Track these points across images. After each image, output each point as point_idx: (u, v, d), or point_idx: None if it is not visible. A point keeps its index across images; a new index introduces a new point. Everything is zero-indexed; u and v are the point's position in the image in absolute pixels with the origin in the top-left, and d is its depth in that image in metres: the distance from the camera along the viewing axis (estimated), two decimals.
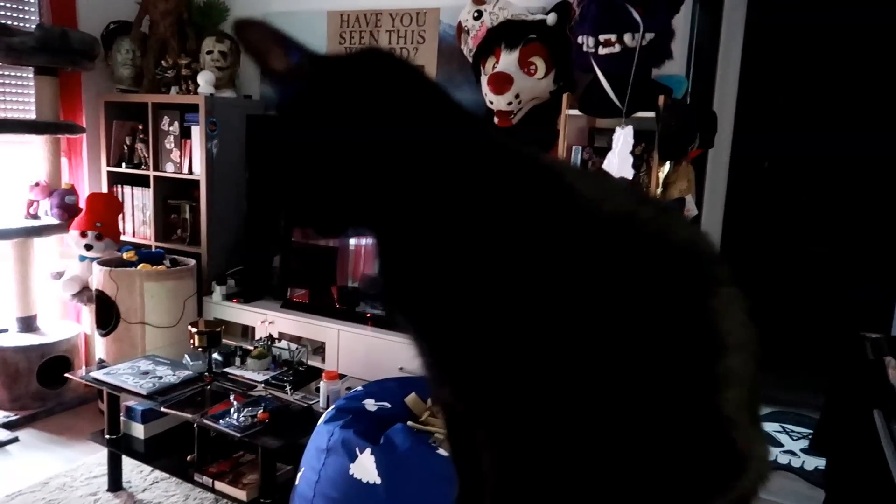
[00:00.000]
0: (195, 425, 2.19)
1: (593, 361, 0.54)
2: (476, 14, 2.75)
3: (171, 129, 3.34)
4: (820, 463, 2.62)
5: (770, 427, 3.08)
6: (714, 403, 0.57)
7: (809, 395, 3.34)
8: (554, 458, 0.57)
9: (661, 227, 0.61)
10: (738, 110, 3.03)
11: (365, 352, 2.85)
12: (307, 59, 0.61)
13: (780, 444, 2.91)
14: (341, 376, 2.39)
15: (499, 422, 0.58)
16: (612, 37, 2.28)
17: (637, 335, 0.55)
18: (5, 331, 2.85)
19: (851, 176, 4.04)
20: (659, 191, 2.48)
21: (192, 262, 3.20)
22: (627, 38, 2.26)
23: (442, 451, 1.72)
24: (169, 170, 3.38)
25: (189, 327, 2.60)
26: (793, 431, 3.13)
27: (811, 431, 3.14)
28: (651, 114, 2.34)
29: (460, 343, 0.57)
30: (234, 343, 2.83)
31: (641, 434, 0.56)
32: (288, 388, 2.37)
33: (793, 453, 2.88)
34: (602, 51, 2.31)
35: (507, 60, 2.58)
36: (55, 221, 3.18)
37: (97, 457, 2.62)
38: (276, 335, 2.82)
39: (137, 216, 3.51)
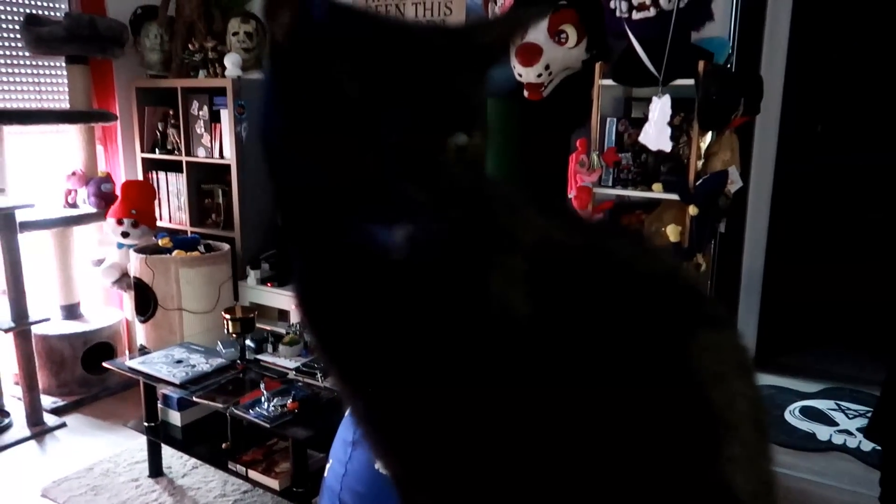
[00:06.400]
0: (227, 414, 2.19)
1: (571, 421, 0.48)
2: None
3: (200, 113, 3.32)
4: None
5: (824, 405, 2.92)
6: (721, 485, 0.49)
7: (868, 370, 3.17)
8: None
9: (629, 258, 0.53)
10: (787, 73, 2.83)
11: None
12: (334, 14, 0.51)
13: (834, 423, 2.76)
14: None
15: None
16: (647, 0, 2.14)
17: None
18: (47, 319, 2.91)
19: None
20: (700, 162, 2.34)
21: (227, 246, 3.20)
22: (663, 0, 2.12)
23: None
24: (201, 154, 3.37)
25: (223, 313, 2.60)
26: (849, 409, 2.96)
27: (869, 409, 2.98)
28: (690, 81, 2.19)
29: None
30: (267, 328, 2.82)
31: None
32: (318, 375, 2.34)
33: (848, 433, 2.72)
34: (636, 15, 2.18)
35: (535, 30, 2.46)
36: (93, 210, 3.22)
37: (139, 442, 2.65)
38: None
39: (173, 202, 3.52)
